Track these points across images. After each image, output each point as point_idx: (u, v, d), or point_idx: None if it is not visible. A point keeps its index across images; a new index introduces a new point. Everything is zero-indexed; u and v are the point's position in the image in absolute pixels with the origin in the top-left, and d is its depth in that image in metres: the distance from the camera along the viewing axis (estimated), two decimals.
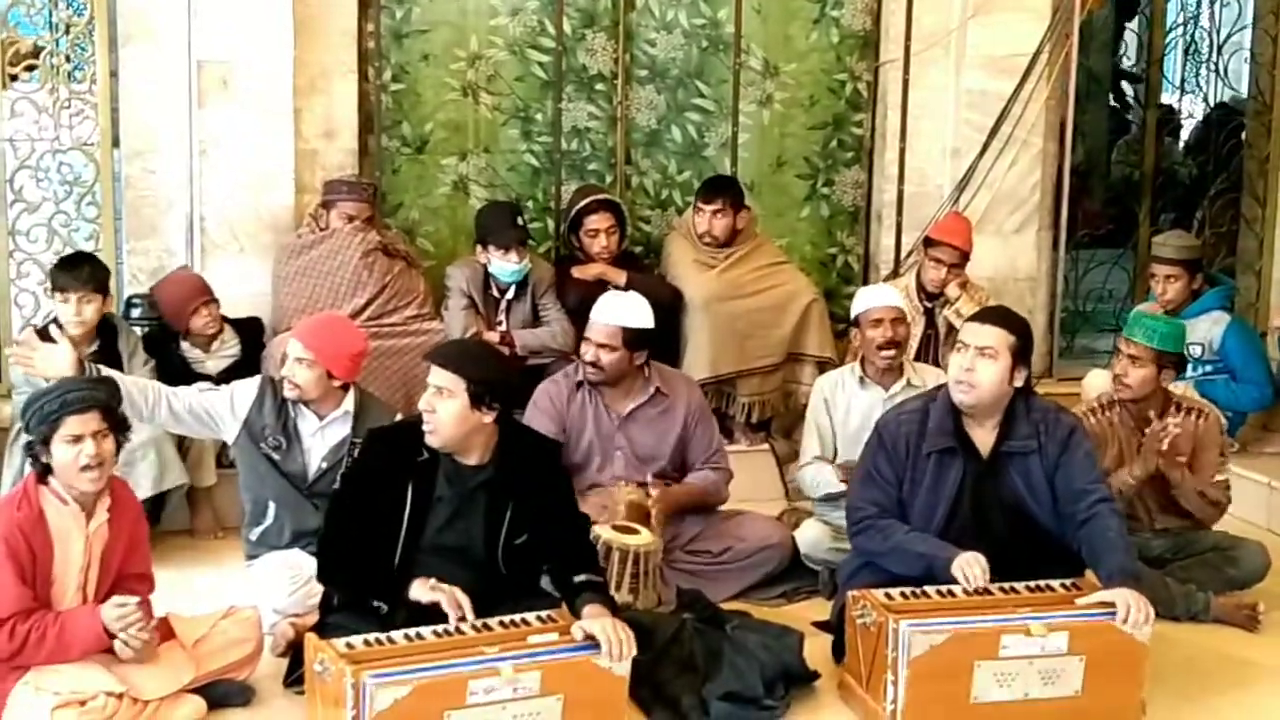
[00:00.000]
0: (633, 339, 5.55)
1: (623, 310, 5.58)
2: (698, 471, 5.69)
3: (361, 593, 4.44)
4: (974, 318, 4.96)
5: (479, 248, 6.55)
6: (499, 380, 4.47)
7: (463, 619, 4.26)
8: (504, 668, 4.04)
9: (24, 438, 4.60)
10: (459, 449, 4.47)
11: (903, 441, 4.83)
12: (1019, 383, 4.76)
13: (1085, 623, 4.48)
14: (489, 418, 4.42)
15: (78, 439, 4.28)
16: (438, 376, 4.42)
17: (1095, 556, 4.68)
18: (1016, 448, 4.78)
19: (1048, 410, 4.86)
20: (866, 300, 5.92)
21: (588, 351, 5.57)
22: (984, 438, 4.80)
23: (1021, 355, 4.75)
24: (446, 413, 4.39)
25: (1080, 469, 4.77)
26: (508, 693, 4.03)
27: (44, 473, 4.32)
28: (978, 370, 4.71)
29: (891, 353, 5.78)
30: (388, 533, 4.44)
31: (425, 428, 4.43)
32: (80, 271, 5.88)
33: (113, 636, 4.27)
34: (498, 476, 4.49)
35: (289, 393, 5.29)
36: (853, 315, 5.96)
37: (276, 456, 5.29)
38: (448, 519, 4.48)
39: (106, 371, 5.17)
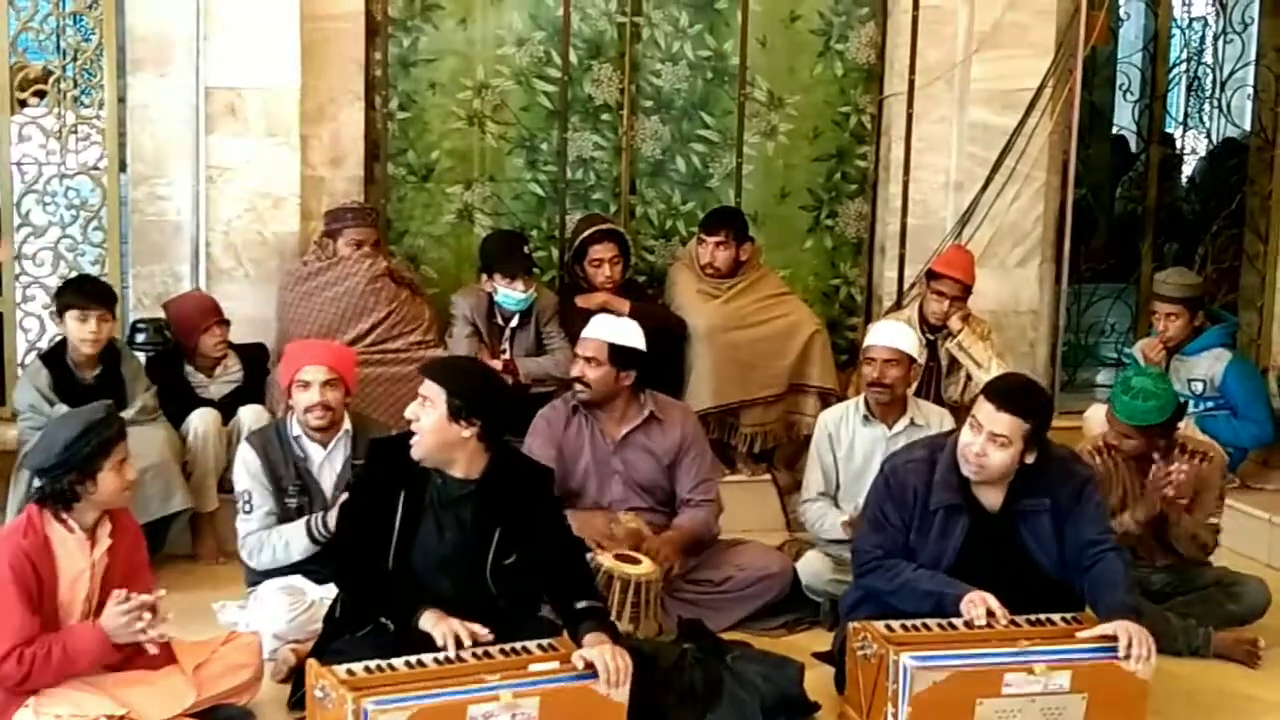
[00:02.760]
0: (619, 357, 5.58)
1: (611, 329, 5.63)
2: (685, 513, 5.67)
3: (373, 605, 4.47)
4: (992, 396, 4.75)
5: (484, 276, 6.57)
6: (480, 396, 4.47)
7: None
8: (503, 694, 4.05)
9: (32, 476, 4.51)
10: (441, 462, 4.49)
11: (910, 491, 4.81)
12: (1030, 459, 4.71)
13: (1089, 661, 4.47)
14: (468, 432, 4.42)
15: (123, 462, 4.36)
16: (424, 386, 4.49)
17: (1096, 594, 4.68)
18: (1030, 506, 4.76)
19: (1063, 461, 4.85)
20: (871, 336, 5.96)
21: (575, 366, 5.64)
22: (993, 497, 4.78)
23: (1034, 437, 4.69)
24: (426, 421, 4.43)
25: (1090, 520, 4.76)
26: (506, 717, 4.04)
27: (68, 504, 4.32)
28: (988, 455, 4.66)
29: (878, 392, 5.80)
30: (381, 540, 4.47)
31: (412, 439, 4.48)
32: (97, 288, 5.94)
33: (118, 647, 4.26)
34: (482, 495, 4.50)
35: (319, 420, 5.30)
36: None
37: (294, 503, 5.34)
38: (436, 531, 4.49)
39: None
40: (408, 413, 4.50)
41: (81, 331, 5.89)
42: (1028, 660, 4.43)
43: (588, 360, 5.59)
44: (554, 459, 5.48)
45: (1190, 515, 5.58)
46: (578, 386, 5.64)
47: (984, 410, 4.70)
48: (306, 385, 5.32)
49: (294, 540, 5.29)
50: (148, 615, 4.28)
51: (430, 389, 4.45)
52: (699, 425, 5.94)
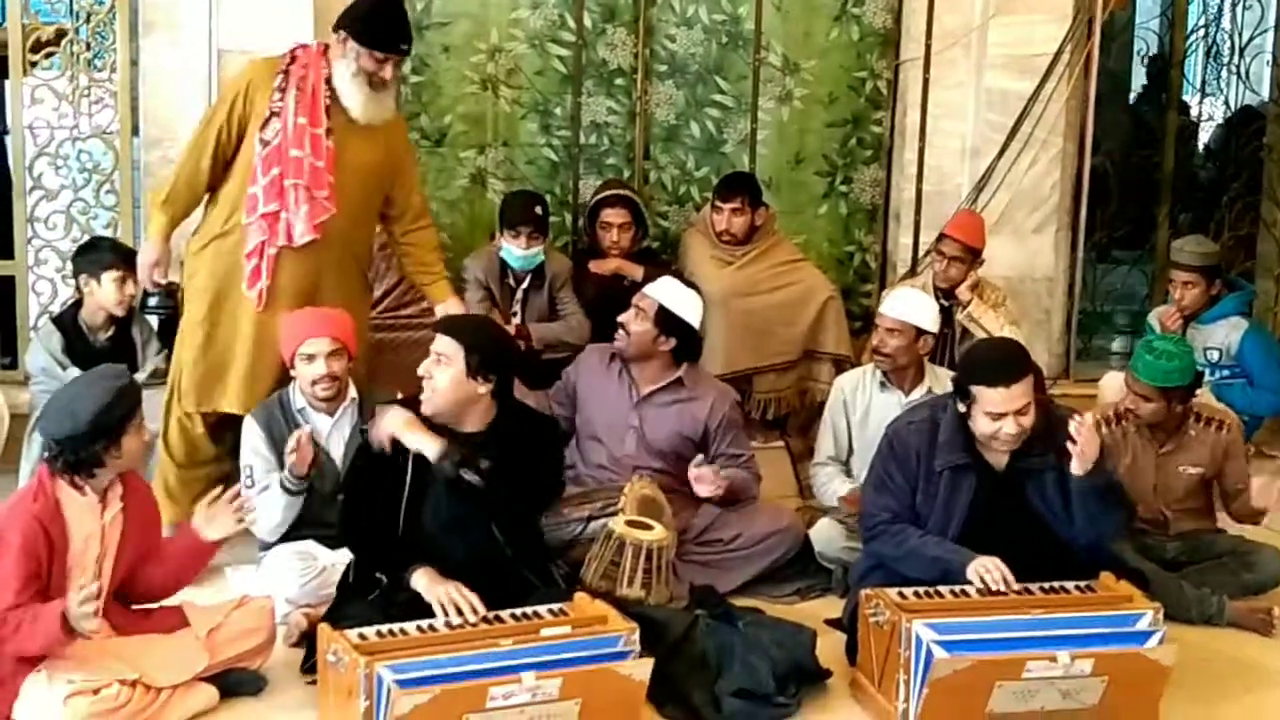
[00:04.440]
0: (664, 320, 5.64)
1: (671, 293, 5.68)
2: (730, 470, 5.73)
3: (374, 560, 4.53)
4: (994, 380, 4.63)
5: (497, 233, 6.56)
6: (497, 351, 4.57)
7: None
8: (526, 676, 4.03)
9: (45, 445, 4.46)
10: (453, 419, 4.53)
11: (913, 452, 4.80)
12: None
13: (1112, 650, 4.45)
14: (484, 388, 4.50)
15: (141, 424, 4.39)
16: (439, 343, 4.53)
17: None
18: (1035, 465, 4.75)
19: (1064, 420, 4.81)
20: (885, 302, 5.95)
21: (626, 312, 5.70)
22: (999, 456, 4.77)
23: (1039, 384, 4.74)
24: (443, 379, 4.49)
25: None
26: (527, 697, 4.04)
27: (90, 470, 4.32)
28: (1024, 425, 4.65)
29: (878, 359, 5.82)
30: (393, 508, 4.50)
31: (423, 395, 4.51)
32: (131, 252, 5.93)
33: (71, 632, 4.17)
34: (492, 441, 4.54)
35: (326, 391, 5.26)
36: None
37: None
38: (446, 490, 4.52)
39: None
40: (421, 370, 4.55)
41: (119, 294, 5.87)
42: (1051, 648, 4.39)
43: (637, 311, 5.66)
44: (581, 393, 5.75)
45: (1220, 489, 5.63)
46: (620, 333, 5.70)
47: (995, 396, 4.62)
48: (311, 358, 5.26)
49: (273, 501, 5.25)
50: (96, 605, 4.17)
51: (447, 345, 4.51)
52: (736, 409, 5.92)
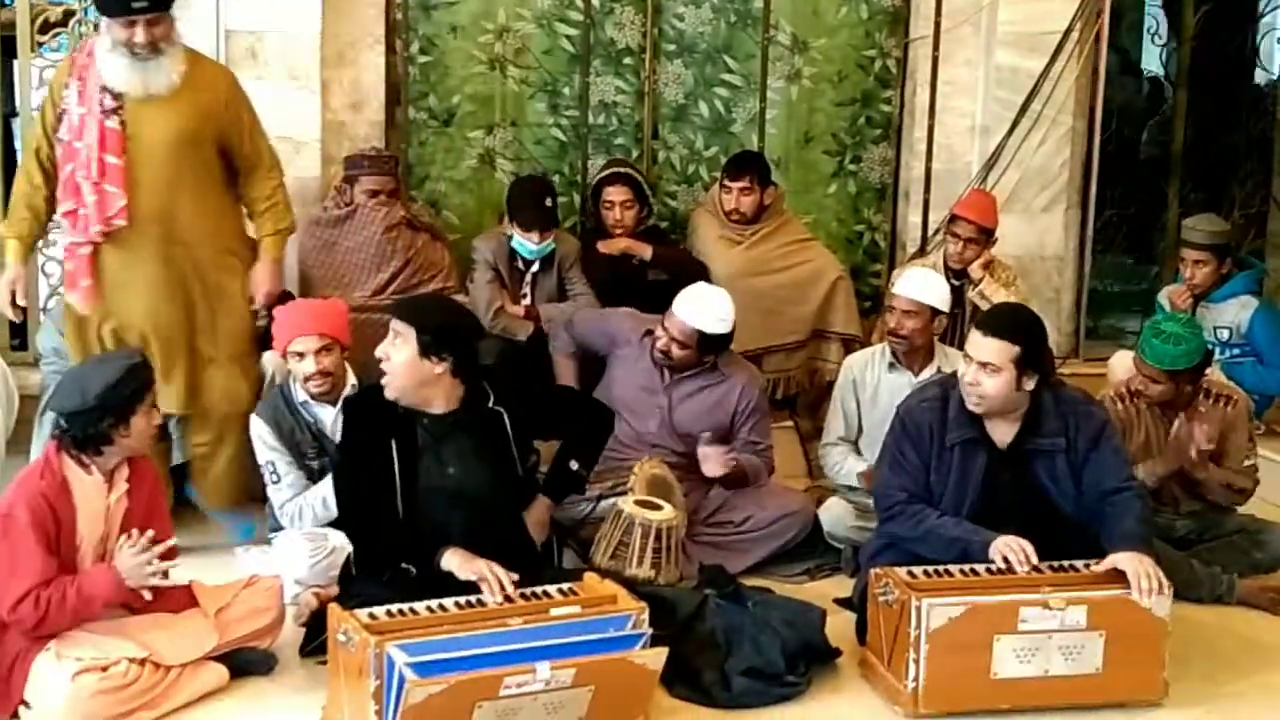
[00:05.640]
0: (706, 343, 5.65)
1: (706, 315, 5.66)
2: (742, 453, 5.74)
3: (392, 555, 4.52)
4: (979, 324, 4.79)
5: (505, 219, 6.54)
6: (450, 332, 4.55)
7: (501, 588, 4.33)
8: (541, 667, 4.03)
9: (54, 421, 4.48)
10: (418, 401, 4.55)
11: (925, 429, 4.80)
12: (1030, 386, 4.69)
13: (1103, 597, 4.47)
14: (440, 368, 4.50)
15: (153, 406, 4.40)
16: (395, 324, 4.55)
17: (1108, 530, 4.66)
18: (1045, 445, 4.74)
19: (1077, 403, 4.82)
20: (899, 283, 5.94)
21: (661, 338, 5.67)
22: (1003, 432, 4.76)
23: (1028, 362, 4.65)
24: (397, 359, 4.50)
25: (1110, 466, 4.74)
26: (540, 686, 4.04)
27: (97, 448, 4.33)
28: (982, 384, 4.66)
29: (894, 341, 5.81)
30: (386, 491, 4.52)
31: (383, 379, 4.53)
32: None
33: (132, 590, 4.27)
34: (471, 417, 4.58)
35: (320, 387, 5.24)
36: None
37: (316, 465, 5.31)
38: (438, 467, 4.56)
39: None
40: (378, 351, 4.56)
41: None
42: (1042, 595, 4.43)
43: (674, 340, 5.65)
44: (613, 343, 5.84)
45: (1218, 466, 5.55)
46: (657, 353, 5.70)
47: (972, 340, 4.72)
48: (301, 356, 5.24)
49: (330, 495, 5.18)
50: (158, 558, 4.30)
51: (400, 327, 4.52)
52: (763, 396, 5.95)
